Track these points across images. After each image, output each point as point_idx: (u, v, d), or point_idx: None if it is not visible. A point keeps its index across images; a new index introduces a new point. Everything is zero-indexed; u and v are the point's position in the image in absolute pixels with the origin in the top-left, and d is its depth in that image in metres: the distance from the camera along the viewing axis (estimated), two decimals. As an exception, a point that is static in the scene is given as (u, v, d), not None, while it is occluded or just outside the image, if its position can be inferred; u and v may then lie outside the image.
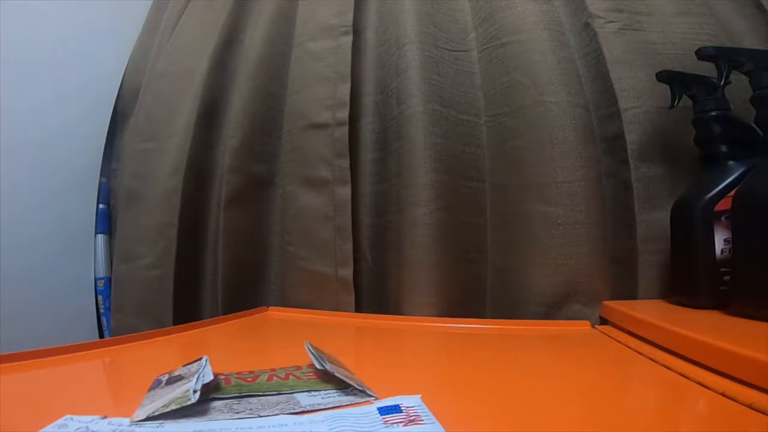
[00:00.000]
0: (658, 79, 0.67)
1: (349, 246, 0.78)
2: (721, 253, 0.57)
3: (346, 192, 0.79)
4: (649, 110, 0.71)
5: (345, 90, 0.84)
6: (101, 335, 0.99)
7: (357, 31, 0.91)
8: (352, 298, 0.77)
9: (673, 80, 0.67)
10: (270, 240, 0.89)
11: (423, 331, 0.69)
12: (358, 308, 0.79)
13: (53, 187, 0.97)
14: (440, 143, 0.78)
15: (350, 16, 0.90)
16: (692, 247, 0.60)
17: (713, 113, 0.62)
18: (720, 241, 0.57)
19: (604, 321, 0.67)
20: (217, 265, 0.86)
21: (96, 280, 1.02)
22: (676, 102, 0.65)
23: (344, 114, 0.82)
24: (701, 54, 0.64)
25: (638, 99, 0.72)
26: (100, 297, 1.01)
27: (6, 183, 0.87)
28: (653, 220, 0.69)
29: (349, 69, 0.85)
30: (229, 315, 0.75)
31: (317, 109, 0.84)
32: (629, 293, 0.70)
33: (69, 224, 1.00)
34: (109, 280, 1.03)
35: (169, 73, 0.99)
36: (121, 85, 1.10)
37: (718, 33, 0.76)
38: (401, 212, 0.77)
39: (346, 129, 0.81)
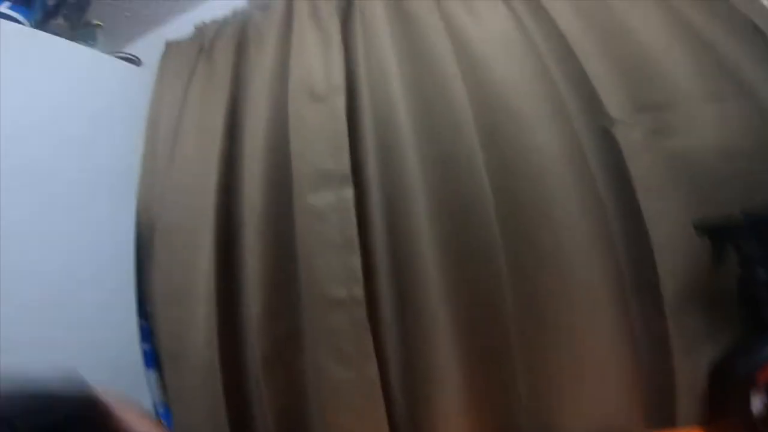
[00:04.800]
0: (695, 231, 0.62)
1: (383, 412, 0.82)
2: (758, 414, 0.57)
3: (372, 368, 0.82)
4: (687, 252, 0.66)
5: (356, 263, 0.83)
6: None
7: (356, 169, 0.88)
8: None
9: (714, 232, 0.61)
10: (307, 395, 0.93)
11: None
12: None
13: (96, 330, 1.04)
14: (469, 317, 0.78)
15: (346, 157, 0.87)
16: (732, 408, 0.60)
17: (764, 275, 0.58)
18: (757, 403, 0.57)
19: None
20: (265, 416, 0.92)
21: (155, 405, 1.12)
22: (720, 258, 0.61)
23: (359, 291, 0.82)
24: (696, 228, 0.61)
25: (675, 239, 0.67)
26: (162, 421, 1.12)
27: (53, 336, 0.95)
28: (692, 368, 0.67)
29: (356, 233, 0.84)
30: None
31: (332, 282, 0.85)
32: (667, 422, 0.69)
33: (116, 362, 1.08)
34: (166, 406, 1.13)
35: (176, 227, 1.01)
36: (137, 221, 1.11)
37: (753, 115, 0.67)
38: (427, 387, 0.80)
39: (363, 310, 0.82)
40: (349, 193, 0.85)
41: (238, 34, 1.07)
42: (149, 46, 1.21)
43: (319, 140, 0.89)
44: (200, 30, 1.16)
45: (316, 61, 0.93)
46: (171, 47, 1.19)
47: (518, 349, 0.78)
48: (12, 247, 0.90)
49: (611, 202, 0.72)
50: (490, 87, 0.81)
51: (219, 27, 1.12)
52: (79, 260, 1.01)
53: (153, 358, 1.12)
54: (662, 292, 0.67)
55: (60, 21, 1.15)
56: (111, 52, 1.17)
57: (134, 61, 1.21)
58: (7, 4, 0.99)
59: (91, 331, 1.01)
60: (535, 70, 0.80)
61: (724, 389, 0.62)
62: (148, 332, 1.12)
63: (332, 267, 0.85)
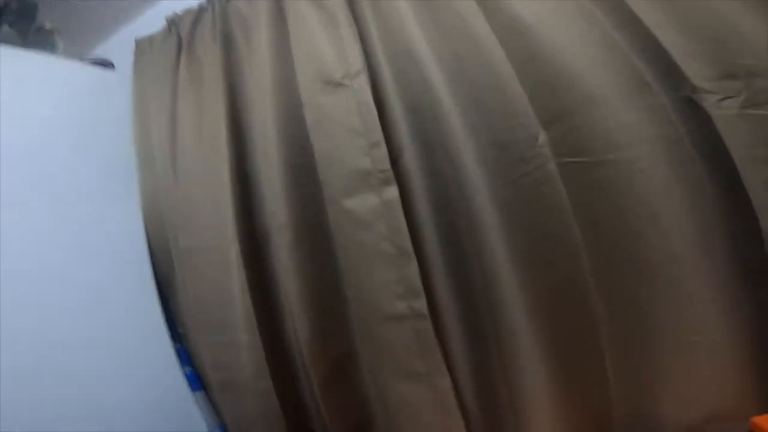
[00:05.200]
0: None
1: (461, 423, 0.77)
2: None
3: (446, 383, 0.76)
4: None
5: (413, 272, 0.75)
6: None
7: (392, 161, 0.78)
8: None
9: None
10: (371, 411, 0.88)
11: None
12: None
13: (133, 359, 1.00)
14: (551, 324, 0.71)
15: (384, 152, 0.77)
16: None
17: None
18: None
19: None
20: None
21: (211, 429, 1.10)
22: None
23: (421, 304, 0.75)
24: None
25: None
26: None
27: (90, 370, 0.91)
28: None
29: (409, 241, 0.75)
30: None
31: (388, 298, 0.77)
32: None
33: (160, 389, 1.05)
34: (224, 427, 1.11)
35: (197, 249, 0.92)
36: (148, 242, 1.02)
37: None
38: (509, 385, 0.76)
39: (428, 322, 0.75)
40: (394, 193, 0.76)
41: (221, 23, 0.93)
42: (122, 47, 1.06)
43: (346, 134, 0.78)
44: (173, 22, 1.01)
45: (325, 44, 0.81)
46: (143, 45, 1.04)
47: (608, 341, 0.72)
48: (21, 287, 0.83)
49: (708, 176, 0.64)
50: (542, 61, 0.71)
51: (195, 17, 0.97)
52: (98, 295, 0.94)
53: (197, 381, 1.09)
54: None
55: (5, 29, 1.00)
56: (79, 58, 1.03)
57: (106, 64, 1.07)
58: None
59: (127, 365, 0.96)
60: (594, 36, 0.68)
61: None
62: (185, 355, 1.08)
63: (387, 280, 0.77)
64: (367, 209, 0.77)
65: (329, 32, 0.82)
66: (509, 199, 0.72)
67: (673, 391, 0.69)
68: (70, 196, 0.94)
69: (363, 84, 0.78)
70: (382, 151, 0.76)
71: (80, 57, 1.05)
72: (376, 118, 0.77)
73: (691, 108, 0.64)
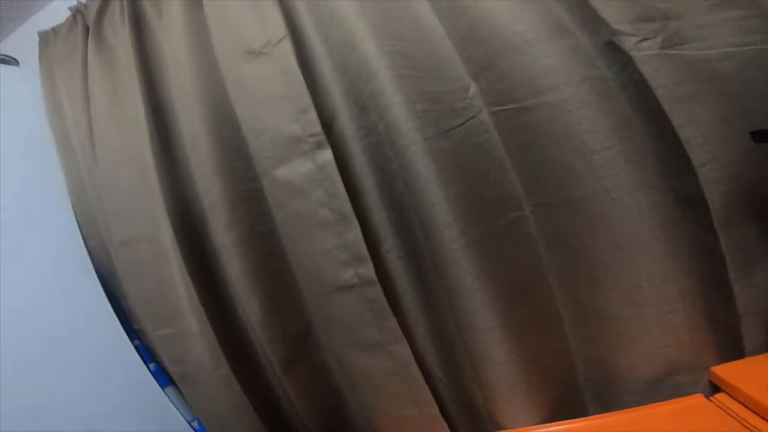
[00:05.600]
0: (754, 140, 0.56)
1: (426, 388, 0.76)
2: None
3: (403, 349, 0.74)
4: (729, 160, 0.60)
5: (356, 236, 0.72)
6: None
7: (326, 126, 0.74)
8: (446, 427, 0.78)
9: None
10: (337, 384, 0.87)
11: None
12: (454, 430, 0.80)
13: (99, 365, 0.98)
14: (495, 274, 0.70)
15: (314, 116, 0.73)
16: None
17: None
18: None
19: (716, 387, 0.65)
20: (302, 418, 0.87)
21: (189, 422, 1.08)
22: None
23: (368, 270, 0.72)
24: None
25: (714, 148, 0.60)
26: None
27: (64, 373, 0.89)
28: (752, 286, 0.62)
29: (348, 205, 0.72)
30: None
31: (333, 268, 0.74)
32: (736, 351, 0.65)
33: (131, 388, 1.02)
34: (199, 421, 1.09)
35: (131, 239, 0.87)
36: (83, 239, 0.98)
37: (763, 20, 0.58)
38: (468, 354, 0.74)
39: (377, 288, 0.72)
40: (327, 156, 0.72)
41: (129, 6, 0.86)
42: (25, 42, 0.99)
43: (272, 102, 0.74)
44: (78, 12, 0.93)
45: (243, 16, 0.76)
46: (47, 38, 0.97)
47: (560, 294, 0.71)
48: None
49: (636, 114, 0.63)
50: (469, 12, 0.68)
51: (100, 4, 0.90)
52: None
53: (164, 376, 1.06)
54: (708, 203, 0.59)
55: None
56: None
57: (10, 61, 0.99)
58: None
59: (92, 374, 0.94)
60: None
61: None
62: (146, 352, 1.05)
63: (329, 248, 0.73)
64: (301, 176, 0.74)
65: (248, 4, 0.77)
66: (444, 149, 0.69)
67: (628, 341, 0.68)
68: None
69: (286, 50, 0.74)
70: (312, 115, 0.73)
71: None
72: (302, 83, 0.73)
73: (613, 51, 0.62)
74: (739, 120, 0.59)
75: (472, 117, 0.69)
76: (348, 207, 0.72)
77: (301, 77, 0.73)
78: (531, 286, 0.72)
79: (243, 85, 0.77)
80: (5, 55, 0.99)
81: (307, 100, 0.72)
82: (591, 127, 0.63)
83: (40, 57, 0.97)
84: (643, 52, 0.60)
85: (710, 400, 0.62)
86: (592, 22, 0.63)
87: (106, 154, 0.88)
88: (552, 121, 0.64)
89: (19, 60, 0.99)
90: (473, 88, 0.69)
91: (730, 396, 0.60)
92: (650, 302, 0.65)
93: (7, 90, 0.95)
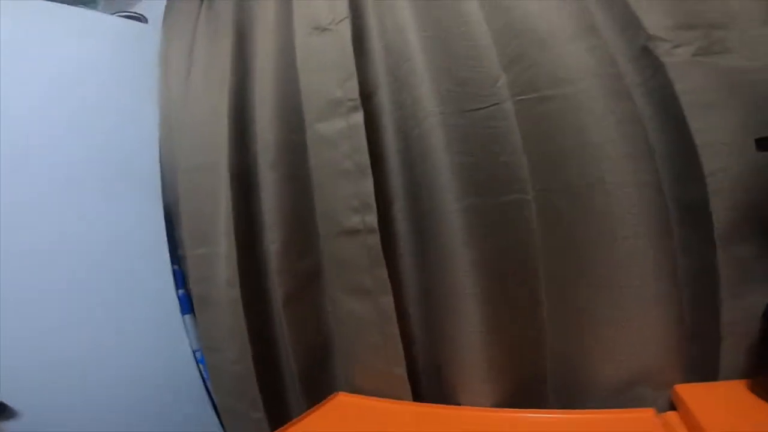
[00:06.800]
0: (758, 148, 0.56)
1: (400, 347, 0.81)
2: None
3: (388, 301, 0.81)
4: (741, 172, 0.59)
5: (368, 188, 0.81)
6: (211, 398, 1.17)
7: (367, 96, 0.86)
8: (408, 390, 0.82)
9: None
10: (329, 330, 0.94)
11: (480, 422, 0.72)
12: (418, 396, 0.83)
13: (134, 278, 1.10)
14: (484, 245, 0.75)
15: (354, 84, 0.84)
16: None
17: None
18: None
19: (673, 406, 0.64)
20: (289, 354, 0.94)
21: (194, 352, 1.18)
22: None
23: (373, 219, 0.81)
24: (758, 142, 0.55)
25: (728, 158, 0.59)
26: (201, 366, 1.18)
27: (94, 285, 1.02)
28: (743, 307, 0.60)
29: (367, 159, 0.82)
30: (307, 412, 0.85)
31: (345, 212, 0.84)
32: (708, 373, 0.63)
33: (157, 308, 1.14)
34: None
35: (195, 167, 1.03)
36: (161, 168, 1.15)
37: None
38: (445, 319, 0.79)
39: (377, 236, 0.80)
40: (358, 119, 0.83)
41: None
42: (155, 3, 1.22)
43: (326, 70, 0.87)
44: None
45: None
46: (172, 2, 1.20)
47: (546, 282, 0.74)
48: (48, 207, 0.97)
49: (652, 118, 0.66)
50: (512, 10, 0.75)
51: None
52: (108, 219, 1.06)
53: (188, 303, 1.18)
54: (712, 213, 0.59)
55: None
56: (115, 13, 1.19)
57: (140, 19, 1.22)
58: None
59: (124, 283, 1.07)
60: None
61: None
62: (181, 276, 1.18)
63: (346, 195, 0.83)
64: (335, 131, 0.85)
65: None
66: (459, 126, 0.77)
67: (602, 343, 0.70)
68: (102, 125, 1.08)
69: (345, 29, 0.87)
70: (353, 83, 0.84)
71: (117, 11, 1.20)
72: (351, 57, 0.85)
73: (646, 56, 0.65)
74: (760, 132, 0.59)
75: (496, 104, 0.76)
76: (366, 161, 0.82)
77: (351, 52, 0.85)
78: (519, 267, 0.76)
79: (307, 54, 0.92)
80: (136, 13, 1.21)
81: (351, 70, 0.84)
82: (596, 120, 0.67)
83: (164, 17, 1.19)
84: (675, 58, 0.62)
85: (658, 417, 0.61)
86: (631, 27, 0.66)
87: (194, 96, 1.06)
88: (563, 112, 0.70)
89: (148, 18, 1.21)
90: (502, 79, 0.76)
91: (679, 416, 0.59)
92: (631, 306, 0.67)
93: (133, 43, 1.17)
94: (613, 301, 0.68)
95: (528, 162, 0.74)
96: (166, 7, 1.21)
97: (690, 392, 0.61)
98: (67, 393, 0.93)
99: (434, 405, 0.81)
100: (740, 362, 0.61)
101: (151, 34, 1.22)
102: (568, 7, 0.71)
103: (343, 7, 0.88)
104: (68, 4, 1.10)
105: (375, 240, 0.81)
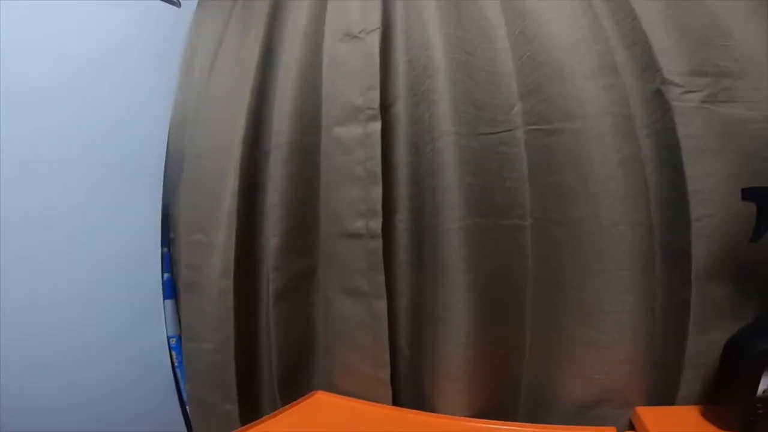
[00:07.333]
0: (743, 198, 0.60)
1: (387, 352, 0.83)
2: (763, 393, 0.58)
3: (382, 305, 0.83)
4: (725, 219, 0.63)
5: (377, 195, 0.84)
6: (177, 386, 1.16)
7: (385, 107, 0.89)
8: (390, 394, 0.84)
9: (763, 203, 0.58)
10: (315, 329, 0.96)
11: (455, 430, 0.75)
12: (396, 401, 0.85)
13: (120, 258, 1.10)
14: (479, 263, 0.78)
15: (376, 94, 0.87)
16: (739, 382, 0.60)
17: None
18: (766, 383, 0.58)
19: (632, 426, 0.69)
20: (271, 349, 0.95)
21: (168, 338, 1.17)
22: (761, 233, 0.58)
23: (377, 224, 0.83)
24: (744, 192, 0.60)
25: (715, 205, 0.63)
26: (173, 352, 1.17)
27: (79, 260, 1.01)
28: (707, 341, 0.65)
29: (379, 167, 0.85)
30: (284, 407, 0.86)
31: (350, 216, 0.86)
32: (667, 398, 0.68)
33: (140, 292, 1.13)
34: (179, 338, 1.17)
35: (205, 154, 1.05)
36: (167, 149, 1.16)
37: None
38: (433, 330, 0.82)
39: (379, 242, 0.83)
40: (375, 127, 0.86)
41: None
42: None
43: (350, 77, 0.90)
44: None
45: (354, 4, 0.94)
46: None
47: (532, 304, 0.78)
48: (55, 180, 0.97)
49: (653, 159, 0.70)
50: (537, 41, 0.78)
51: None
52: (107, 196, 1.06)
53: (171, 288, 1.17)
54: (693, 256, 0.64)
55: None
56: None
57: (175, 3, 1.25)
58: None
59: (109, 259, 1.06)
60: (585, 21, 0.75)
61: (735, 367, 0.61)
62: (168, 260, 1.17)
63: (353, 200, 0.86)
64: (351, 137, 0.88)
65: None
66: (471, 147, 0.81)
67: (577, 364, 0.73)
68: (129, 102, 1.09)
69: (374, 39, 0.90)
70: (374, 93, 0.87)
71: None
72: (377, 67, 0.88)
73: (658, 98, 0.68)
74: (749, 181, 0.62)
75: (508, 130, 0.80)
76: (378, 169, 0.84)
77: (377, 62, 0.88)
78: (510, 288, 0.79)
79: (334, 59, 0.94)
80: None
81: (375, 80, 0.87)
82: (600, 157, 0.70)
83: (197, 5, 1.21)
84: (684, 103, 0.64)
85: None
86: (649, 69, 0.70)
87: (216, 89, 1.08)
88: (570, 146, 0.73)
89: (181, 3, 1.24)
90: (518, 108, 0.80)
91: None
92: (609, 330, 0.70)
93: (165, 23, 1.20)
94: (593, 325, 0.71)
95: (530, 190, 0.78)
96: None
97: (649, 414, 0.67)
98: (41, 368, 0.92)
99: (411, 410, 0.83)
100: (698, 390, 0.66)
101: (183, 18, 1.24)
102: (592, 45, 0.74)
103: (375, 18, 0.91)
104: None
105: (377, 245, 0.84)
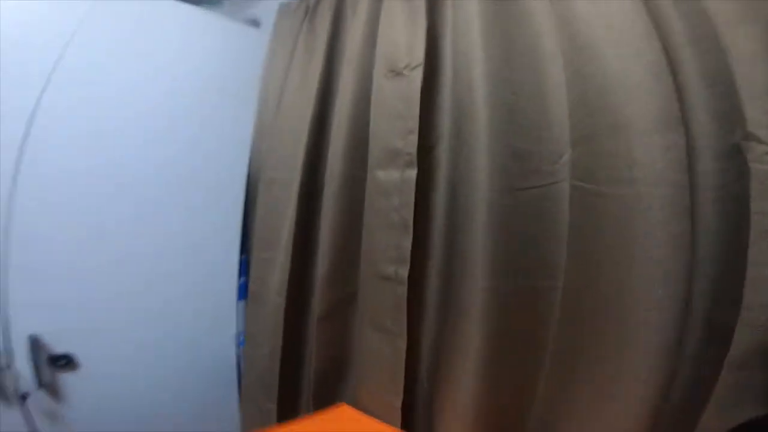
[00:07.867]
0: None
1: (402, 384, 0.86)
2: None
3: (402, 343, 0.86)
4: None
5: (407, 244, 0.86)
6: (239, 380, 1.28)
7: (428, 149, 0.88)
8: (399, 420, 0.87)
9: None
10: (351, 349, 1.02)
11: None
12: (405, 426, 0.88)
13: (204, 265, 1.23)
14: (500, 322, 0.76)
15: (415, 139, 0.87)
16: None
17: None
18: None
19: None
20: (311, 360, 1.03)
21: (238, 334, 1.30)
22: None
23: (404, 272, 0.86)
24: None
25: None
26: (240, 348, 1.30)
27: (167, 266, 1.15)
28: (721, 420, 0.57)
29: (411, 215, 0.86)
30: (314, 413, 0.95)
31: (384, 260, 0.89)
32: None
33: (216, 293, 1.26)
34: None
35: (274, 180, 1.15)
36: (249, 170, 1.27)
37: None
38: (449, 368, 0.84)
39: (405, 288, 0.85)
40: (411, 174, 0.86)
41: (335, 4, 1.11)
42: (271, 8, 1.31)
43: (393, 118, 0.91)
44: None
45: (400, 36, 0.92)
46: (283, 9, 1.28)
47: (551, 359, 0.74)
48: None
49: (714, 233, 0.60)
50: (595, 80, 0.69)
51: None
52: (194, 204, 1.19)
53: (244, 291, 1.29)
54: (733, 341, 0.56)
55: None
56: (235, 14, 1.30)
57: (255, 23, 1.32)
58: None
59: (193, 264, 1.19)
60: (651, 57, 0.64)
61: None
62: (245, 266, 1.29)
63: (387, 245, 0.89)
64: (389, 181, 0.90)
65: (408, 25, 0.93)
66: (505, 205, 0.77)
67: (586, 413, 0.69)
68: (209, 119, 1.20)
69: (417, 77, 0.88)
70: (413, 137, 0.87)
71: (238, 14, 1.31)
72: (417, 107, 0.87)
73: (734, 157, 0.57)
74: None
75: (554, 183, 0.74)
76: (410, 218, 0.85)
77: (417, 104, 0.86)
78: (530, 346, 0.76)
79: (380, 97, 0.95)
80: (252, 18, 1.31)
81: (414, 124, 0.87)
82: (645, 234, 0.63)
83: (274, 24, 1.28)
84: (766, 166, 0.54)
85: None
86: (729, 118, 0.58)
87: (284, 112, 1.16)
88: (615, 216, 0.66)
89: (260, 23, 1.31)
90: (567, 156, 0.73)
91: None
92: (619, 398, 0.65)
93: (243, 47, 1.28)
94: (606, 396, 0.67)
95: (568, 251, 0.72)
96: (278, 13, 1.29)
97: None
98: (125, 349, 1.07)
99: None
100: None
101: (261, 40, 1.31)
102: (656, 87, 0.63)
103: (419, 52, 0.89)
104: (194, 4, 1.21)
105: (402, 290, 0.86)
